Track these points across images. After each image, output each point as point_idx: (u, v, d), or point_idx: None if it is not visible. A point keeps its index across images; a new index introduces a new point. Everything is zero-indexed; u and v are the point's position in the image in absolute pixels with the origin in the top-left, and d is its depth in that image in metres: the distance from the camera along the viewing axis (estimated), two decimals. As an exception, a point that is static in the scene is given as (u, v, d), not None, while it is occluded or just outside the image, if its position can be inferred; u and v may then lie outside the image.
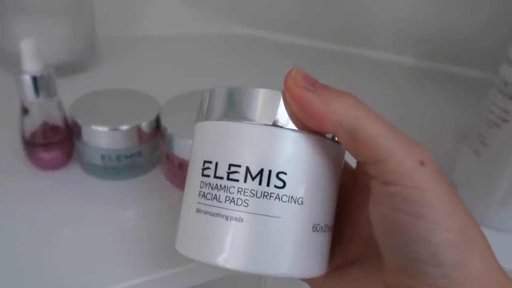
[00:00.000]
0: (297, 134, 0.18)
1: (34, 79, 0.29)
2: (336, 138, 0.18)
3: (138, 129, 0.32)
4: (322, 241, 0.19)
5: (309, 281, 0.22)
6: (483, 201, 0.32)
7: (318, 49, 0.62)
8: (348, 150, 0.18)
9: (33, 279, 0.26)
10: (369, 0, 0.59)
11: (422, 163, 0.16)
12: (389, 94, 0.53)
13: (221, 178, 0.18)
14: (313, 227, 0.18)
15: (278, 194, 0.17)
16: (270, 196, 0.17)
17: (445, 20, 0.58)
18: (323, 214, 0.19)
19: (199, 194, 0.18)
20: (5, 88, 0.42)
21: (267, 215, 0.17)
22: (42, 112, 0.31)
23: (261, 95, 0.18)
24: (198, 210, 0.18)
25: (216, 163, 0.18)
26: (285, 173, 0.17)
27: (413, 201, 0.16)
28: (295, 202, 0.18)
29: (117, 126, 0.31)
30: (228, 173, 0.18)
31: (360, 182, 0.21)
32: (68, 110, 0.32)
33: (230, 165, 0.18)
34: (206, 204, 0.18)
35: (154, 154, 0.34)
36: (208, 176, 0.18)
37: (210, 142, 0.19)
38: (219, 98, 0.19)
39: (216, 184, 0.18)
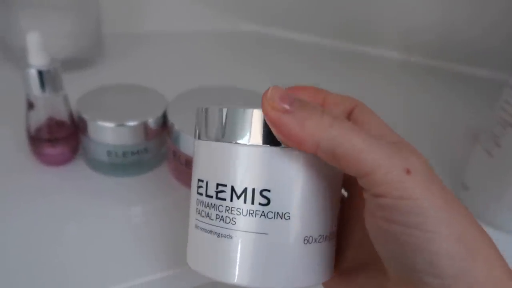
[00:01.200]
0: (279, 150, 0.18)
1: (40, 73, 0.28)
2: None
3: (145, 125, 0.31)
4: (317, 252, 0.19)
5: None
6: (495, 203, 0.31)
7: (325, 46, 0.61)
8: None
9: (37, 274, 0.25)
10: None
11: (408, 171, 0.15)
12: (398, 93, 0.52)
13: (211, 197, 0.19)
14: (304, 240, 0.18)
15: (263, 211, 0.18)
16: (256, 214, 0.18)
17: (454, 18, 0.57)
18: (316, 225, 0.19)
19: (196, 211, 0.19)
20: (11, 83, 0.42)
21: (253, 232, 0.18)
22: (48, 107, 0.30)
23: (243, 115, 0.18)
24: (196, 226, 0.19)
25: (207, 182, 0.19)
26: (269, 190, 0.18)
27: (406, 212, 0.15)
28: (281, 218, 0.18)
29: (124, 122, 0.30)
30: (217, 192, 0.18)
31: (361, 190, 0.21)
32: (74, 105, 0.32)
33: (218, 184, 0.18)
34: (201, 221, 0.19)
35: (161, 150, 0.34)
36: (201, 194, 0.19)
37: (202, 161, 0.20)
38: (209, 118, 0.19)
39: (208, 203, 0.19)
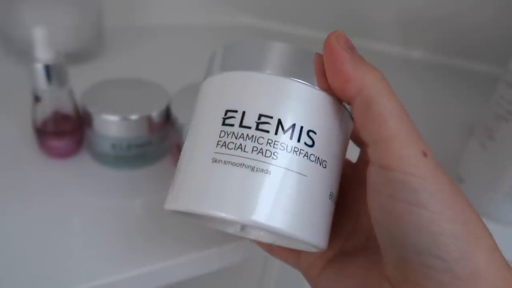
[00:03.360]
0: (329, 97, 0.18)
1: (47, 68, 0.29)
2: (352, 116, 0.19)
3: (149, 119, 0.32)
4: (332, 211, 0.18)
5: (305, 270, 0.22)
6: (488, 194, 0.32)
7: (323, 40, 0.62)
8: (357, 124, 0.17)
9: (42, 265, 0.26)
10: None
11: (425, 154, 0.16)
12: (395, 87, 0.53)
13: (249, 127, 0.17)
14: (329, 195, 0.18)
15: (307, 152, 0.17)
16: (300, 153, 0.17)
17: (451, 13, 0.58)
18: (337, 184, 0.19)
19: (218, 144, 0.17)
20: (14, 76, 0.43)
21: (295, 171, 0.17)
22: (54, 100, 0.31)
23: (297, 53, 0.18)
24: (215, 160, 0.17)
25: (244, 112, 0.17)
26: (315, 132, 0.17)
27: (413, 189, 0.15)
28: (320, 164, 0.17)
29: (128, 116, 0.31)
30: (258, 123, 0.17)
31: (361, 175, 0.21)
32: (79, 98, 0.32)
33: (261, 115, 0.17)
34: (227, 154, 0.17)
35: (164, 143, 0.34)
36: (232, 125, 0.17)
37: (236, 91, 0.18)
38: (254, 49, 0.18)
39: (242, 134, 0.17)
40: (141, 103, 0.33)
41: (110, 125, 0.31)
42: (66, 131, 0.32)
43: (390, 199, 0.16)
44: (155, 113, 0.32)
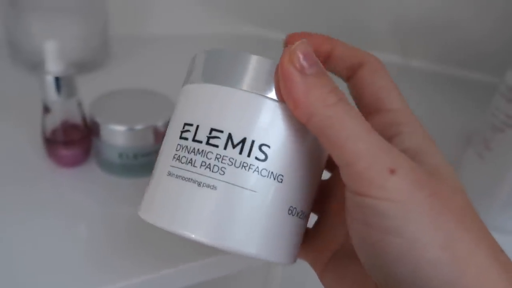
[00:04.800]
0: (286, 108, 0.17)
1: (57, 80, 0.30)
2: None
3: (154, 129, 0.33)
4: (296, 227, 0.18)
5: (311, 263, 0.21)
6: (485, 203, 0.33)
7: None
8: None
9: (48, 272, 0.27)
10: (376, 1, 0.60)
11: (392, 171, 0.14)
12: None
13: (200, 142, 0.17)
14: (289, 210, 0.17)
15: (257, 167, 0.16)
16: (249, 168, 0.16)
17: (451, 24, 0.59)
18: (301, 198, 0.18)
19: (174, 157, 0.17)
20: (23, 85, 0.44)
21: (242, 187, 0.16)
22: (63, 111, 0.32)
23: (255, 62, 0.17)
24: (169, 174, 0.17)
25: (197, 126, 0.17)
26: (269, 146, 0.16)
27: (383, 215, 0.14)
28: (274, 179, 0.16)
29: (134, 126, 0.32)
30: (209, 138, 0.17)
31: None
32: (87, 109, 0.33)
33: (212, 129, 0.17)
34: (179, 168, 0.17)
35: (169, 152, 0.35)
36: (186, 139, 0.17)
37: (194, 104, 0.18)
38: (210, 60, 0.18)
39: (194, 148, 0.17)
40: (147, 113, 0.34)
41: (117, 134, 0.32)
42: (75, 140, 0.33)
43: (364, 226, 0.15)
44: (161, 123, 0.33)
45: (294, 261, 0.19)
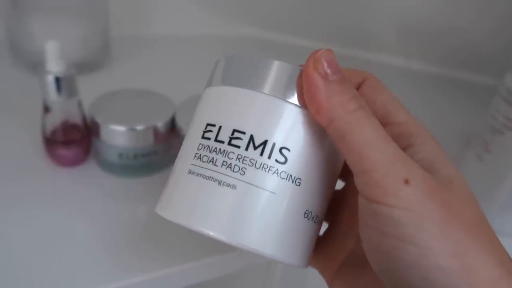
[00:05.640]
0: (307, 114, 0.17)
1: (57, 80, 0.30)
2: None
3: (154, 129, 0.33)
4: (310, 231, 0.18)
5: (321, 270, 0.22)
6: (485, 205, 0.33)
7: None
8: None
9: (48, 272, 0.27)
10: (377, 3, 0.60)
11: (406, 181, 0.15)
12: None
13: (222, 142, 0.17)
14: (305, 213, 0.18)
15: (277, 169, 0.17)
16: (269, 170, 0.17)
17: (453, 26, 0.59)
18: (317, 202, 0.18)
19: (195, 156, 0.18)
20: (23, 85, 0.44)
21: (262, 188, 0.17)
22: (63, 111, 0.32)
23: (277, 67, 0.18)
24: (190, 172, 0.18)
25: (220, 127, 0.17)
26: (289, 150, 0.17)
27: (398, 223, 0.15)
28: (292, 182, 0.17)
29: (134, 126, 0.32)
30: (231, 138, 0.17)
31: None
32: (87, 109, 0.33)
33: (234, 130, 0.17)
34: (200, 167, 0.17)
35: (169, 153, 0.35)
36: (209, 139, 0.18)
37: (217, 106, 0.18)
38: (233, 64, 0.19)
39: (216, 148, 0.17)
40: (147, 113, 0.34)
41: (117, 135, 0.32)
42: (75, 140, 0.33)
43: (377, 233, 0.15)
44: (161, 124, 0.33)
45: (307, 265, 0.19)
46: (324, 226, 0.22)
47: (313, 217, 0.18)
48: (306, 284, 0.43)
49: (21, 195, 0.32)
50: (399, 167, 0.15)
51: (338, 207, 0.22)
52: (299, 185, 0.17)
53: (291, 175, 0.17)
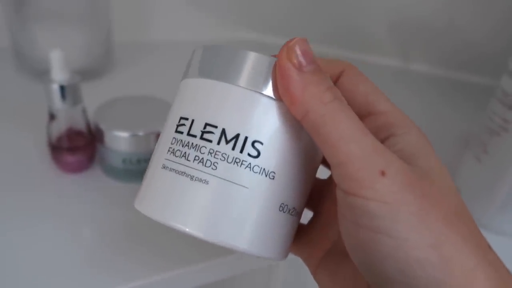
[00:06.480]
0: (281, 106, 0.17)
1: (62, 88, 0.31)
2: None
3: (157, 135, 0.33)
4: (287, 223, 0.18)
5: (305, 260, 0.22)
6: (483, 206, 0.33)
7: (323, 54, 0.64)
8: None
9: (54, 276, 0.27)
10: (375, 5, 0.61)
11: (382, 173, 0.14)
12: (393, 99, 0.54)
13: (194, 136, 0.17)
14: (280, 206, 0.17)
15: (250, 163, 0.16)
16: (242, 164, 0.16)
17: (451, 27, 0.60)
18: (293, 195, 0.18)
19: (168, 150, 0.18)
20: (28, 92, 0.44)
21: (234, 183, 0.16)
22: (68, 118, 0.33)
23: (251, 58, 0.17)
24: (164, 167, 0.17)
25: (193, 121, 0.17)
26: (261, 143, 0.17)
27: (373, 215, 0.14)
28: (266, 176, 0.17)
29: (138, 132, 0.33)
30: (203, 132, 0.17)
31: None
32: (91, 115, 0.34)
33: (207, 124, 0.17)
34: (173, 161, 0.17)
35: (171, 158, 0.36)
36: (182, 132, 0.17)
37: (190, 98, 0.18)
38: (207, 55, 0.18)
39: (188, 142, 0.17)
40: (149, 119, 0.34)
41: (121, 140, 0.33)
42: (79, 146, 0.34)
43: (354, 225, 0.15)
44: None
45: (285, 257, 0.19)
46: (310, 214, 0.22)
47: (289, 210, 0.18)
48: (309, 285, 0.44)
49: (27, 200, 0.32)
50: (376, 159, 0.15)
51: (322, 197, 0.22)
52: (273, 178, 0.17)
53: (264, 169, 0.17)
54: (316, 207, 0.22)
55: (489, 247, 0.16)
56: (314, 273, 0.21)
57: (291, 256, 0.21)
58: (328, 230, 0.21)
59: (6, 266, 0.27)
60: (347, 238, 0.16)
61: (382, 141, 0.17)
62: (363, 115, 0.18)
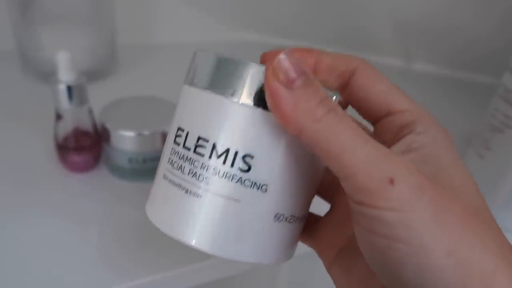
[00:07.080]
0: (271, 117, 0.16)
1: (69, 89, 0.31)
2: None
3: (162, 134, 0.34)
4: (285, 231, 0.18)
5: (320, 254, 0.21)
6: (487, 203, 0.34)
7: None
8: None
9: (61, 274, 0.28)
10: (378, 6, 0.61)
11: (391, 181, 0.14)
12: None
13: (189, 149, 0.17)
14: (275, 217, 0.17)
15: (241, 178, 0.17)
16: (232, 178, 0.16)
17: (453, 26, 0.60)
18: (290, 204, 0.18)
19: (168, 160, 0.18)
20: (34, 94, 0.45)
21: (226, 197, 0.17)
22: (74, 118, 0.33)
23: (247, 70, 0.17)
24: (164, 177, 0.18)
25: (187, 133, 0.17)
26: (252, 157, 0.16)
27: (390, 224, 0.14)
28: (258, 189, 0.17)
29: (144, 131, 0.33)
30: (196, 146, 0.17)
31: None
32: (97, 116, 0.34)
33: (199, 137, 0.17)
34: (172, 173, 0.18)
35: (176, 157, 0.36)
36: (178, 144, 0.18)
37: (186, 109, 0.18)
38: (206, 64, 0.18)
39: (183, 155, 0.17)
40: (155, 119, 0.35)
41: (127, 140, 0.33)
42: (85, 146, 0.34)
43: (369, 232, 0.15)
44: (168, 128, 0.34)
45: (287, 260, 0.19)
46: (327, 206, 0.22)
47: (286, 218, 0.18)
48: (313, 285, 0.44)
49: (34, 200, 0.33)
50: (382, 167, 0.14)
51: (339, 187, 0.21)
52: (266, 191, 0.17)
53: (255, 183, 0.17)
54: (333, 198, 0.22)
55: (511, 247, 0.15)
56: (328, 268, 0.21)
57: (294, 257, 0.21)
58: (344, 226, 0.20)
59: (13, 263, 0.28)
60: (363, 244, 0.16)
61: (400, 140, 0.17)
62: (382, 114, 0.18)
